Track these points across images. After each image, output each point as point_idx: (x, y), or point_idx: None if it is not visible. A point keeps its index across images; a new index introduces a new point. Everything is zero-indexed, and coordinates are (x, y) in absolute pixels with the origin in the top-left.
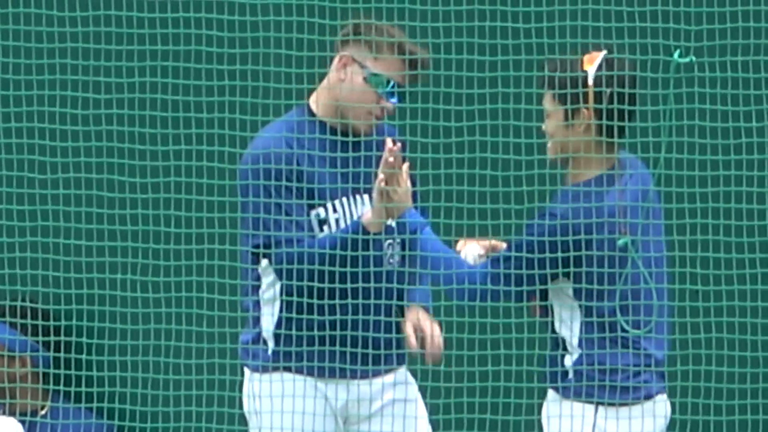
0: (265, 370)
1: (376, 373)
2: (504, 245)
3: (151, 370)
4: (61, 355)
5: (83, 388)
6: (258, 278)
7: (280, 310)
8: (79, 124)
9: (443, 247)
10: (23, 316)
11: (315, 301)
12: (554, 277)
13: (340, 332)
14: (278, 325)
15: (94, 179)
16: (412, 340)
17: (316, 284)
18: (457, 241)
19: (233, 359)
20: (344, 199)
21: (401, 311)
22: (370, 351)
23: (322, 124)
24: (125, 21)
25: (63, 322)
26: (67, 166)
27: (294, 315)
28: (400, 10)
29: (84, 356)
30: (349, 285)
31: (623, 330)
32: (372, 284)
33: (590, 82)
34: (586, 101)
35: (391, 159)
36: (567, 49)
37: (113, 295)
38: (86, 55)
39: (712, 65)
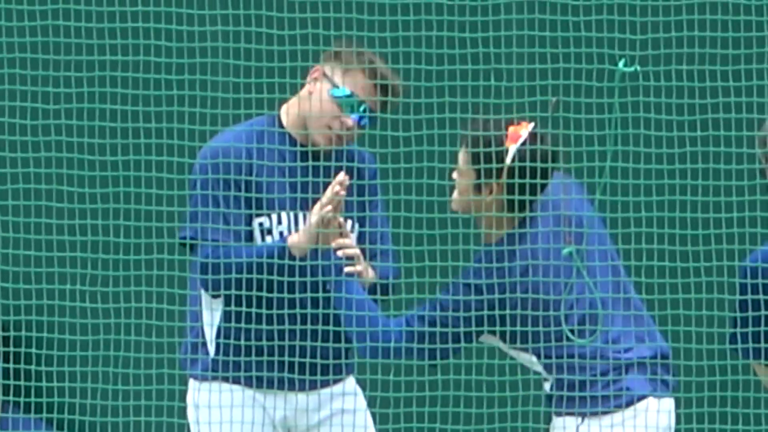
0: (204, 378)
1: (323, 384)
2: None
3: (100, 381)
4: (11, 365)
5: (32, 399)
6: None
7: (221, 320)
8: (28, 135)
9: (360, 294)
10: None
11: (251, 310)
12: (478, 334)
13: (278, 343)
14: (218, 334)
15: (43, 189)
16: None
17: (254, 293)
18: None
19: (180, 369)
20: (292, 212)
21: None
22: (309, 361)
23: (286, 134)
24: (64, 30)
25: (12, 333)
26: (17, 177)
27: (233, 324)
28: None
29: (34, 367)
30: (287, 295)
31: (569, 339)
32: (310, 294)
33: (508, 159)
34: (499, 173)
35: (337, 188)
36: (493, 110)
37: (62, 305)
38: (34, 65)
39: (657, 74)
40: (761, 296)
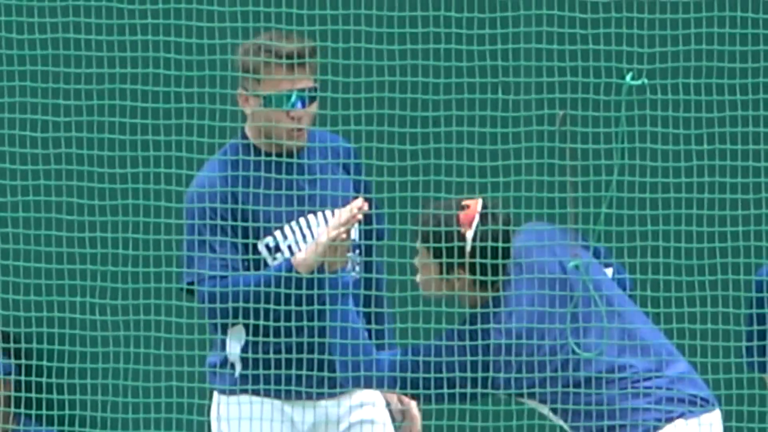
0: (232, 393)
1: (342, 393)
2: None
3: (110, 393)
4: (22, 378)
5: (46, 411)
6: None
7: (247, 334)
8: (39, 147)
9: (355, 322)
10: None
11: (275, 324)
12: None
13: (306, 355)
14: (245, 349)
15: (53, 202)
16: (394, 401)
17: (272, 306)
18: None
19: (194, 382)
20: (293, 224)
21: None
22: (328, 374)
23: (258, 153)
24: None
25: (23, 345)
26: (26, 189)
27: (261, 339)
28: (356, 32)
29: (54, 380)
30: (305, 308)
31: (574, 353)
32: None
33: (468, 248)
34: (461, 262)
35: (355, 211)
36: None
37: (72, 317)
38: (42, 78)
39: (664, 88)
40: (765, 309)
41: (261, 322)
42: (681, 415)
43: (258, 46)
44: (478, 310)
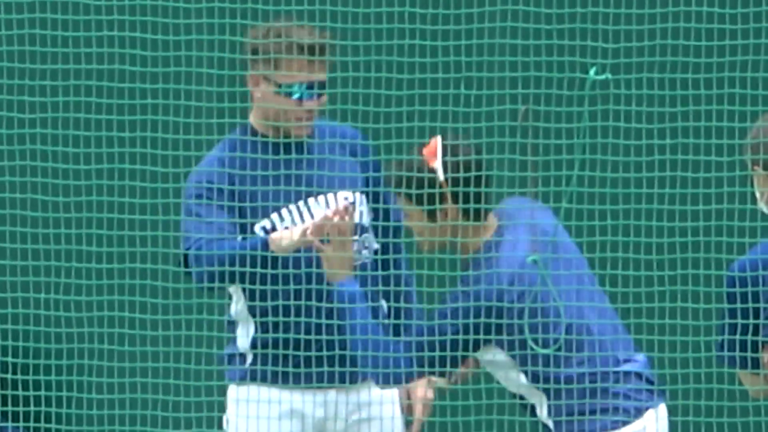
0: (242, 383)
1: (353, 382)
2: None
3: (75, 390)
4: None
5: (9, 407)
6: (229, 297)
7: (255, 330)
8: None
9: (370, 320)
10: None
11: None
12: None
13: (313, 337)
14: (254, 344)
15: (18, 198)
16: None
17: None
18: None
19: (158, 377)
20: (292, 206)
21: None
22: (336, 354)
23: (263, 137)
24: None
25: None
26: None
27: (270, 335)
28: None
29: (11, 376)
30: (314, 303)
31: (532, 349)
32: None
33: (441, 177)
34: (443, 195)
35: (334, 216)
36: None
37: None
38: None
39: (628, 83)
40: (737, 305)
41: (257, 287)
42: (649, 407)
43: (278, 33)
44: (482, 255)
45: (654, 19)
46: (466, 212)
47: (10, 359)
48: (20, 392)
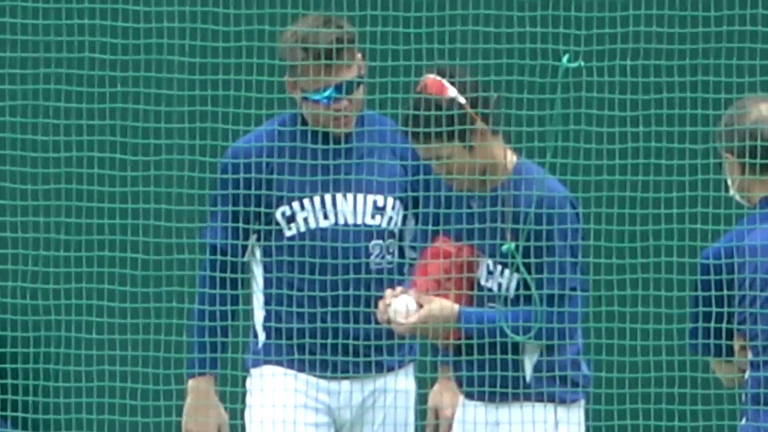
0: (255, 364)
1: (366, 370)
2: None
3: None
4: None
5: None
6: (246, 270)
7: (266, 303)
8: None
9: (480, 317)
10: None
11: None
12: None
13: (330, 325)
14: (267, 318)
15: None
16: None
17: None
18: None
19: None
20: (316, 198)
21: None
22: (350, 343)
23: (306, 129)
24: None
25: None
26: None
27: (283, 307)
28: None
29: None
30: (330, 293)
31: (504, 335)
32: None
33: (463, 100)
34: (472, 119)
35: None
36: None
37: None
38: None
39: (601, 70)
40: (710, 292)
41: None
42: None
43: (296, 38)
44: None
45: (627, 5)
46: (495, 133)
47: None
48: None
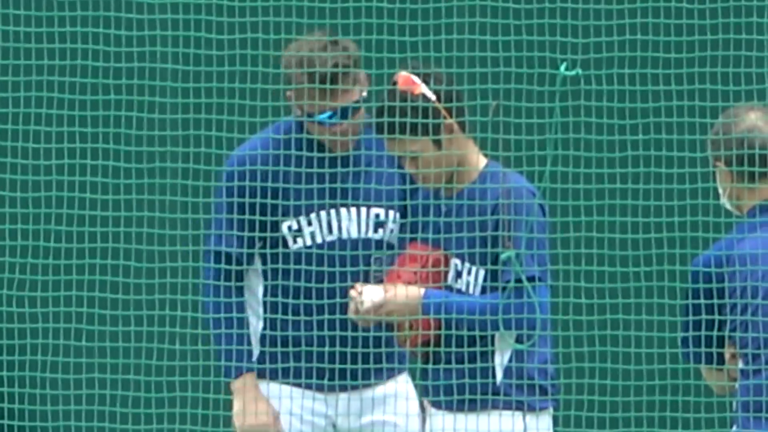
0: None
1: (364, 385)
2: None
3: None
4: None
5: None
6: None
7: (264, 311)
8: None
9: (466, 299)
10: None
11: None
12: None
13: (327, 333)
14: (264, 329)
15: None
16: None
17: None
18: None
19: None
20: (322, 213)
21: (389, 324)
22: (353, 350)
23: (310, 140)
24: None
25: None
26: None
27: (279, 316)
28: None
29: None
30: (326, 301)
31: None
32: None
33: (433, 97)
34: (442, 115)
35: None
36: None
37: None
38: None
39: (599, 78)
40: (701, 300)
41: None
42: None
43: (298, 61)
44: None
45: (624, 14)
46: (462, 125)
47: None
48: None
